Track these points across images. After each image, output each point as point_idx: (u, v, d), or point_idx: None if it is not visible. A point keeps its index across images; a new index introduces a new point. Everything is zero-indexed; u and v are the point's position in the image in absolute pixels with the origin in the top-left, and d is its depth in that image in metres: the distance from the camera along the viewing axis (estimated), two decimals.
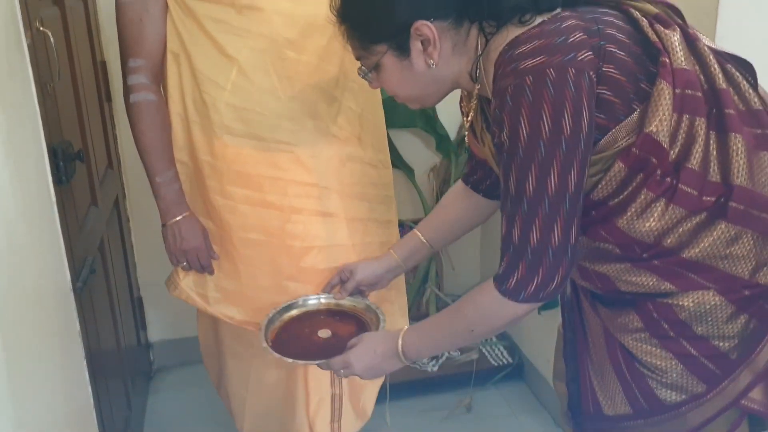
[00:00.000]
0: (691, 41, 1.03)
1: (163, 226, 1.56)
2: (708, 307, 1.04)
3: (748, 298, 1.04)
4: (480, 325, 1.11)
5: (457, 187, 1.44)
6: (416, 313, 2.53)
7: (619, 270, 1.08)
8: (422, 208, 2.58)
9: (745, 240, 1.01)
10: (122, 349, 2.02)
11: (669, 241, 1.02)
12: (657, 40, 1.00)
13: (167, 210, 1.53)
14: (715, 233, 1.01)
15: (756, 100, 1.03)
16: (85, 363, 1.38)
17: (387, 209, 1.66)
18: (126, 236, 2.34)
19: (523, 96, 0.95)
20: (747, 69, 1.05)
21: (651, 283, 1.06)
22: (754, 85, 1.05)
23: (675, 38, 1.00)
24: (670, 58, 0.99)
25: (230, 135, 1.46)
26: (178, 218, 1.53)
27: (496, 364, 2.51)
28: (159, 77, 1.51)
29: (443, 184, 2.60)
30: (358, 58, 1.15)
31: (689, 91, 0.99)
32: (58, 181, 1.34)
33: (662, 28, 1.01)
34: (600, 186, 1.02)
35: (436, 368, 2.41)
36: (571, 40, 0.97)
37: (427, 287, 2.61)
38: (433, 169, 2.64)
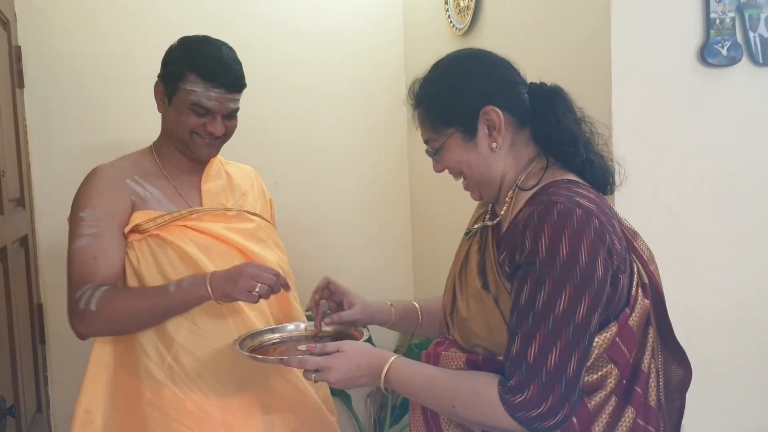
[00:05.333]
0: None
1: (216, 295, 1.38)
2: None
3: None
4: (463, 408, 1.07)
5: None
6: None
7: None
8: None
9: None
10: None
11: None
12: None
13: (198, 286, 1.39)
14: None
15: (658, 396, 1.13)
16: None
17: None
18: None
19: (549, 215, 1.00)
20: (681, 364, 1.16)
21: None
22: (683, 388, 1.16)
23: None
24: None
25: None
26: (207, 277, 1.39)
27: None
28: None
29: (380, 410, 2.59)
30: (426, 141, 1.19)
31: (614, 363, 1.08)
32: None
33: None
34: None
35: None
36: (614, 223, 1.05)
37: None
38: (370, 394, 2.65)
